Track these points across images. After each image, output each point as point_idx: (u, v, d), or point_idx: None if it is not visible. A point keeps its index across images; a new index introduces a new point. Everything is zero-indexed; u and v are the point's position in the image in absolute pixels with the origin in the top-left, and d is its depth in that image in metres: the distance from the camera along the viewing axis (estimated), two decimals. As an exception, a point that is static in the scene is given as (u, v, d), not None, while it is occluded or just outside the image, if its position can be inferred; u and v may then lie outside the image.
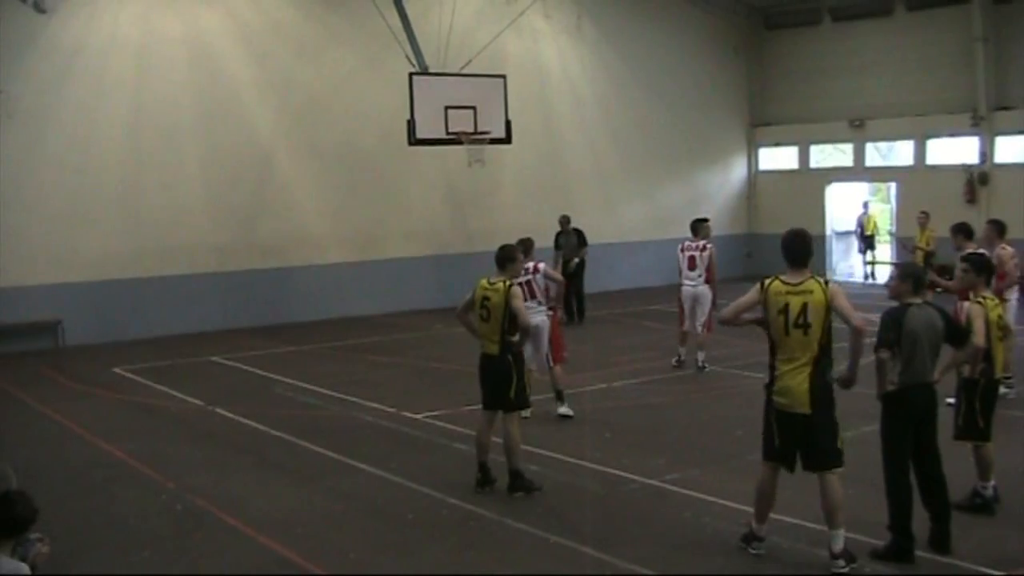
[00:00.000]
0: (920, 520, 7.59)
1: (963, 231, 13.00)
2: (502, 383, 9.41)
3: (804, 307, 7.23)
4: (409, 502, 9.34)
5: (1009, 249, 12.97)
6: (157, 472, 10.51)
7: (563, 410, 12.36)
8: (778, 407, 7.41)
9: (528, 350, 11.81)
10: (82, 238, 19.34)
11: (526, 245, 12.11)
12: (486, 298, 9.41)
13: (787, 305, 7.28)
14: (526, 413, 10.46)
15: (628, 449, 10.92)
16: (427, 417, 12.62)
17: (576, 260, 20.44)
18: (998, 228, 13.25)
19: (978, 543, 7.80)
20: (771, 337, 7.45)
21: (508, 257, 9.76)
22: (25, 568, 5.56)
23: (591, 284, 21.79)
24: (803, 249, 7.49)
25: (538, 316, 11.86)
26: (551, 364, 12.40)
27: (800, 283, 7.33)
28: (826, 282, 7.37)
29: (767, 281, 7.47)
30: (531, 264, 12.21)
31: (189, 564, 8.03)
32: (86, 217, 19.35)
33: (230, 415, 13.14)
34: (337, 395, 14.21)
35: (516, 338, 9.41)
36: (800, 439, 7.39)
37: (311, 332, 20.20)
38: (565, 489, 9.63)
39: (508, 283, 9.42)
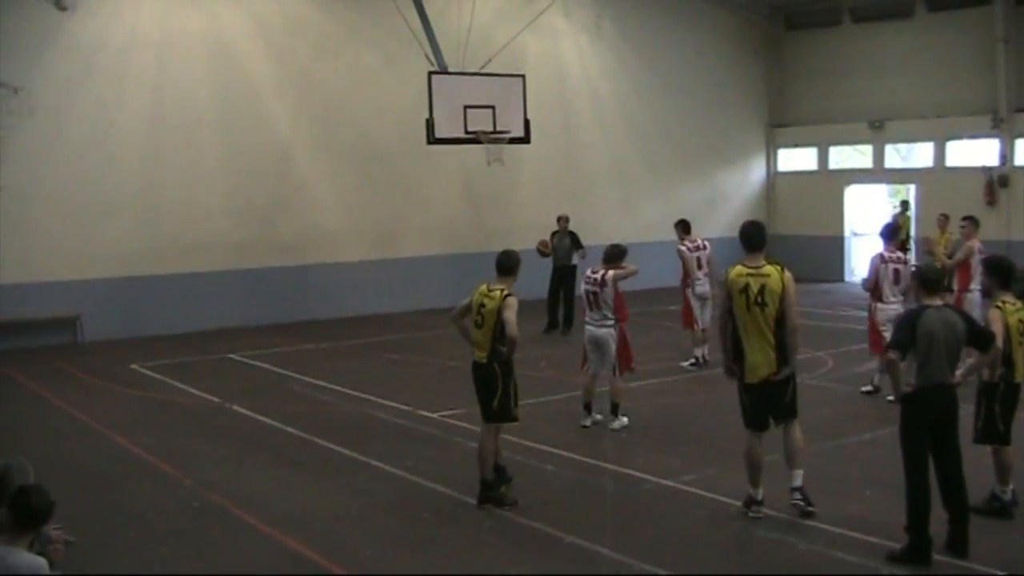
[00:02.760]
0: (938, 523, 7.55)
1: (883, 235, 13.47)
2: (486, 392, 9.19)
3: (762, 288, 8.22)
4: (425, 500, 9.36)
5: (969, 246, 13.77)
6: (174, 468, 10.55)
7: (616, 424, 11.78)
8: (749, 382, 8.35)
9: (594, 360, 11.87)
10: (101, 234, 19.41)
11: (619, 250, 12.06)
12: (482, 304, 9.17)
13: (747, 285, 8.25)
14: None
15: (644, 449, 10.90)
16: (443, 416, 12.62)
17: (578, 258, 19.53)
18: (973, 224, 14.18)
19: (996, 547, 7.76)
20: (735, 319, 8.35)
21: (512, 265, 9.38)
22: (43, 562, 5.58)
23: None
24: (757, 236, 8.53)
25: (603, 328, 11.76)
26: (617, 374, 11.86)
27: (759, 267, 8.32)
28: (782, 268, 8.36)
29: (728, 269, 8.45)
30: (599, 274, 11.85)
31: (206, 560, 8.05)
32: (105, 213, 19.42)
33: (247, 412, 13.17)
34: (354, 393, 14.23)
35: (504, 348, 9.07)
36: (769, 399, 8.38)
37: (328, 329, 20.23)
38: (581, 489, 9.63)
39: (504, 292, 9.11)
